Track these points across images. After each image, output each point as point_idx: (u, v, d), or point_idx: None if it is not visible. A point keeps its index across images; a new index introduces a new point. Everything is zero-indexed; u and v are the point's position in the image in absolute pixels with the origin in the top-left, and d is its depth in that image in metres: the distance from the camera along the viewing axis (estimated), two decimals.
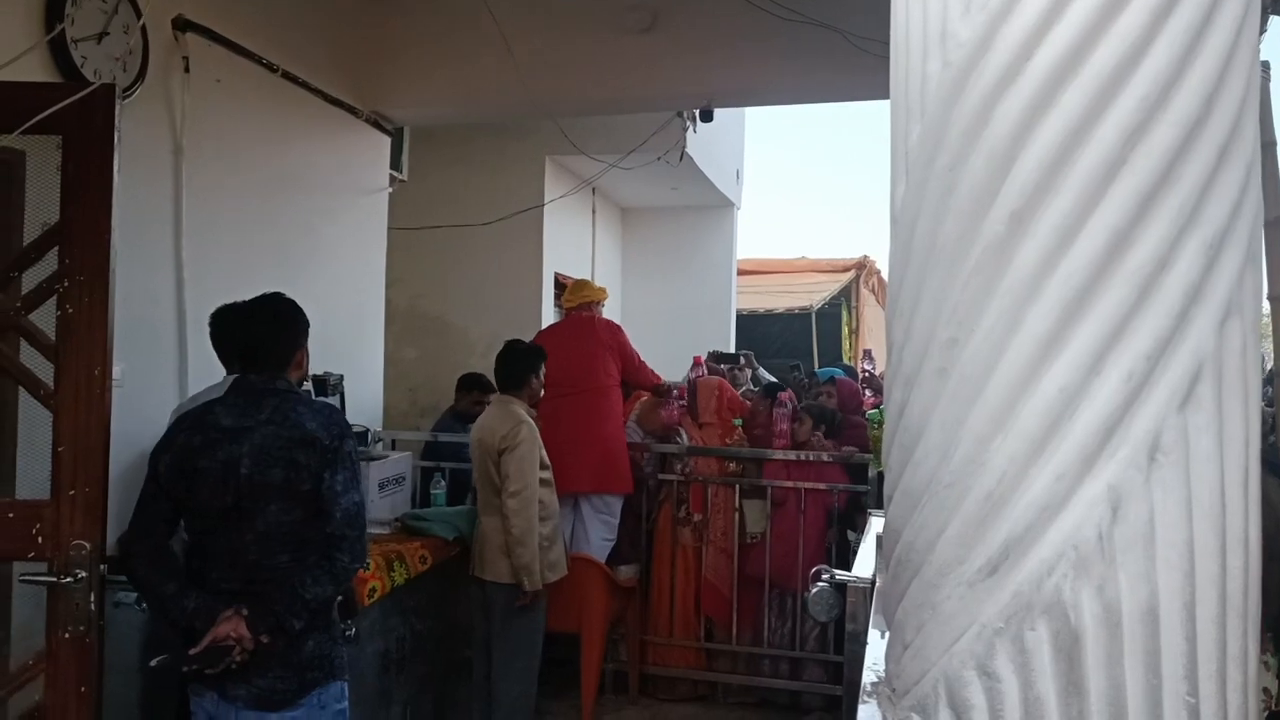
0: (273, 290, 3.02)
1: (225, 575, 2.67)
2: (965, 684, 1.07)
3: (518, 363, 4.49)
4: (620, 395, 5.76)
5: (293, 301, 2.99)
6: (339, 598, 2.82)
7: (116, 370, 3.37)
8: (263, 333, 2.86)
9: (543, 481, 4.34)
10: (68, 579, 2.57)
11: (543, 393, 4.66)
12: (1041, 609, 1.03)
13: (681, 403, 6.04)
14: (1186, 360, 1.04)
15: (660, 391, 5.89)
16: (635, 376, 5.91)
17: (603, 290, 6.12)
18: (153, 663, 2.68)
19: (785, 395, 5.89)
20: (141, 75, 4.10)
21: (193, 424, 2.77)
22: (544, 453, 4.41)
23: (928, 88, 1.13)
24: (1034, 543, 1.04)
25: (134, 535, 2.74)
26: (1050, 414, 1.03)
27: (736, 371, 7.21)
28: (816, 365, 11.35)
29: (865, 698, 1.30)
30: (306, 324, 2.97)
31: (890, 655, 1.20)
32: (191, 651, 2.57)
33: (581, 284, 6.15)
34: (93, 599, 2.60)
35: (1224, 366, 1.05)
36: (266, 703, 2.64)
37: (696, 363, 6.68)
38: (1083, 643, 1.02)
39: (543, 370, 4.54)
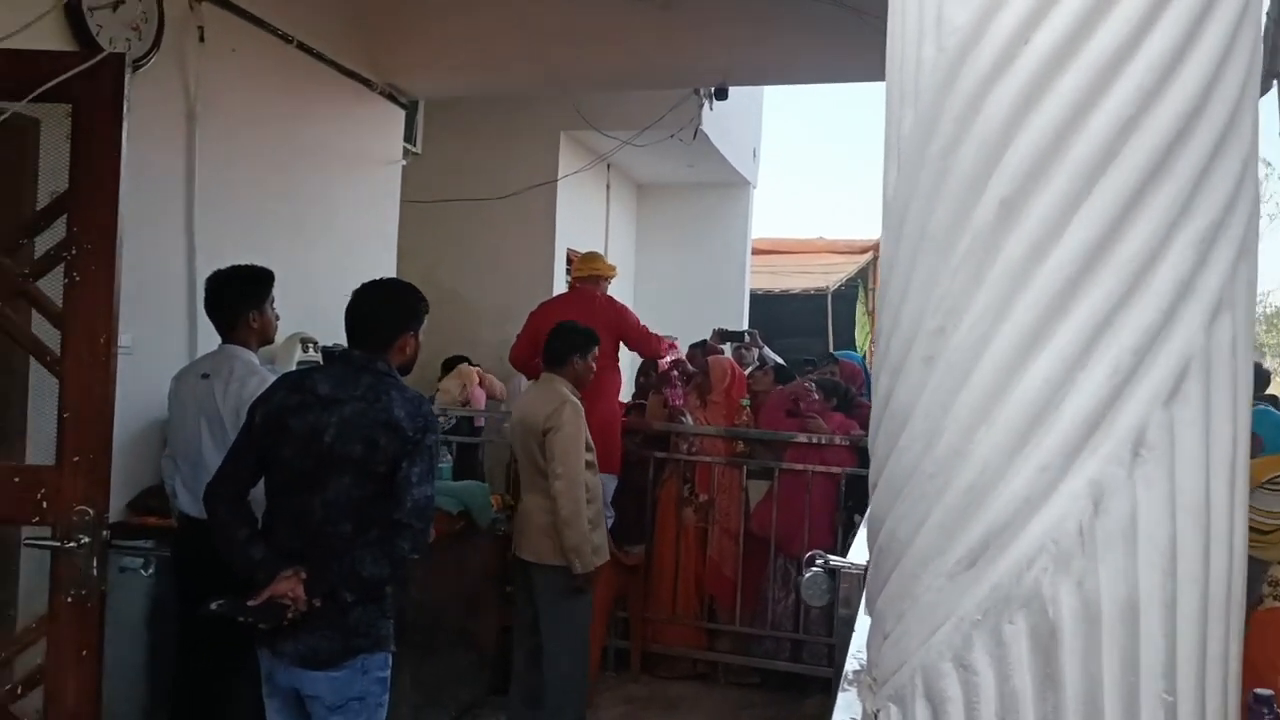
0: (283, 259, 3.04)
1: (291, 534, 2.80)
2: (942, 675, 1.06)
3: (561, 341, 4.42)
4: (616, 375, 5.73)
5: (410, 285, 3.10)
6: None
7: (126, 338, 3.39)
8: (369, 311, 2.96)
9: (589, 464, 4.29)
10: (70, 544, 2.59)
11: (590, 377, 4.47)
12: (1020, 602, 1.02)
13: (683, 384, 6.03)
14: (1174, 355, 1.02)
15: (661, 367, 5.85)
16: (642, 347, 5.88)
17: (612, 267, 6.08)
18: (212, 605, 2.75)
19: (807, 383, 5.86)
20: (157, 44, 4.11)
21: (293, 384, 2.91)
22: (589, 434, 4.36)
23: (922, 73, 1.12)
24: (1014, 536, 1.03)
25: (219, 478, 2.89)
26: (1035, 406, 1.02)
27: (743, 350, 7.18)
28: (831, 347, 11.30)
29: (846, 685, 1.30)
30: (419, 311, 3.04)
31: (871, 644, 1.20)
32: (250, 603, 2.68)
33: (592, 256, 6.13)
34: (95, 564, 2.62)
35: (1213, 363, 1.04)
36: (310, 661, 2.76)
37: (671, 346, 6.59)
38: (1060, 637, 1.01)
39: (592, 353, 4.41)
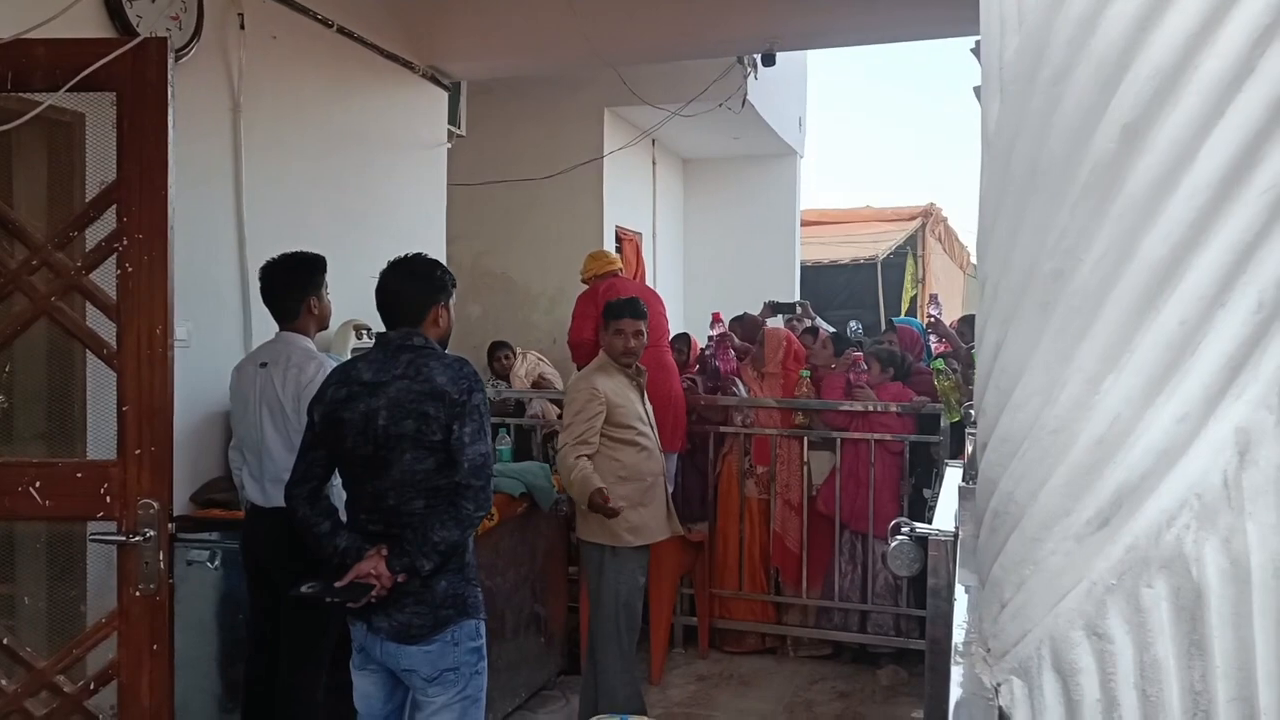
0: (332, 246, 3.04)
1: (370, 518, 2.91)
2: (1073, 645, 0.98)
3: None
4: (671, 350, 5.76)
5: (432, 260, 3.13)
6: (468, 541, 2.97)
7: (182, 330, 3.38)
8: (396, 289, 3.02)
9: (626, 441, 4.24)
10: (136, 538, 2.57)
11: (620, 350, 4.31)
12: (1160, 564, 0.94)
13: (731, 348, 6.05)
14: None
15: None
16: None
17: (616, 259, 6.26)
18: (303, 588, 2.87)
19: (858, 357, 5.77)
20: (197, 33, 4.08)
21: (339, 378, 2.99)
22: (638, 410, 4.31)
23: None
24: (1151, 491, 0.94)
25: (294, 479, 2.98)
26: (1170, 349, 0.93)
27: (795, 321, 7.09)
28: (883, 315, 11.16)
29: (957, 658, 1.22)
30: (444, 283, 3.08)
31: (985, 614, 1.12)
32: (337, 584, 2.79)
33: (601, 253, 6.34)
34: (162, 557, 2.60)
35: None
36: (404, 636, 2.84)
37: (716, 320, 6.57)
38: (1206, 600, 0.93)
39: (611, 325, 4.32)
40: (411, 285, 3.02)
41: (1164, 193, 0.94)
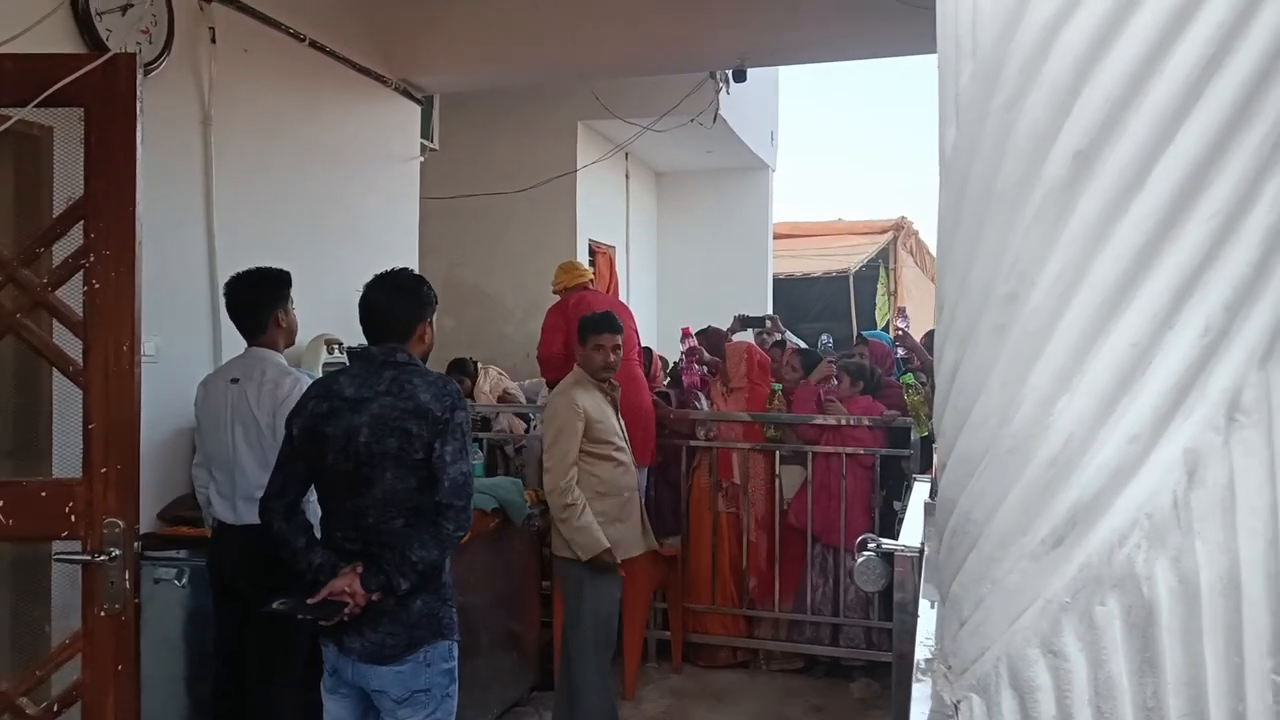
0: (304, 261, 3.02)
1: (348, 535, 2.87)
2: (1029, 663, 0.99)
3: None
4: (641, 368, 5.74)
5: (417, 276, 3.11)
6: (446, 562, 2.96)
7: (151, 345, 3.36)
8: (383, 305, 2.98)
9: (603, 456, 4.24)
10: (102, 557, 2.55)
11: (600, 364, 4.30)
12: (1112, 582, 0.95)
13: (700, 367, 6.03)
14: (1269, 311, 0.95)
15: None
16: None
17: (590, 271, 6.25)
18: (275, 605, 2.83)
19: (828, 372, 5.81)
20: (168, 47, 4.07)
21: (320, 392, 2.95)
22: (614, 425, 4.32)
23: (980, 21, 1.04)
24: (1104, 511, 0.95)
25: (270, 493, 2.94)
26: (1121, 371, 0.95)
27: (764, 335, 7.12)
28: (855, 328, 11.22)
29: (919, 675, 1.23)
30: (429, 299, 3.05)
31: (946, 631, 1.13)
32: (310, 601, 2.76)
33: (573, 264, 6.23)
34: (127, 576, 2.58)
35: None
36: (377, 656, 2.81)
37: (685, 334, 6.58)
38: (1158, 618, 0.94)
39: (590, 341, 4.30)
40: (399, 300, 2.99)
41: (1114, 218, 0.96)
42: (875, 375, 5.82)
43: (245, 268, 3.70)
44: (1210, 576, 0.94)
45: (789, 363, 6.01)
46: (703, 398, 5.94)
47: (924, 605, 1.62)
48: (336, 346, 4.75)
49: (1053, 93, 0.98)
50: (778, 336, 7.05)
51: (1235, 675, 0.95)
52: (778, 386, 5.75)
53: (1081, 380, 0.97)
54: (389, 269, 3.10)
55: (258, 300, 3.63)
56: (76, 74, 2.46)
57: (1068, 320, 0.97)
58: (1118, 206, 0.96)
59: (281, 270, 3.70)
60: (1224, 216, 0.94)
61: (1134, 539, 0.95)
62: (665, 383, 6.52)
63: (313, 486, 2.98)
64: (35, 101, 2.48)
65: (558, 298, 5.96)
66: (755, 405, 5.72)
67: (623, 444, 4.36)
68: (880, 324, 12.27)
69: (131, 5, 3.82)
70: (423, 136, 6.45)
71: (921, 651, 1.34)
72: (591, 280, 6.15)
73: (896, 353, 6.70)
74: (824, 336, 7.97)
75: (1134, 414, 0.95)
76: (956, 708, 1.08)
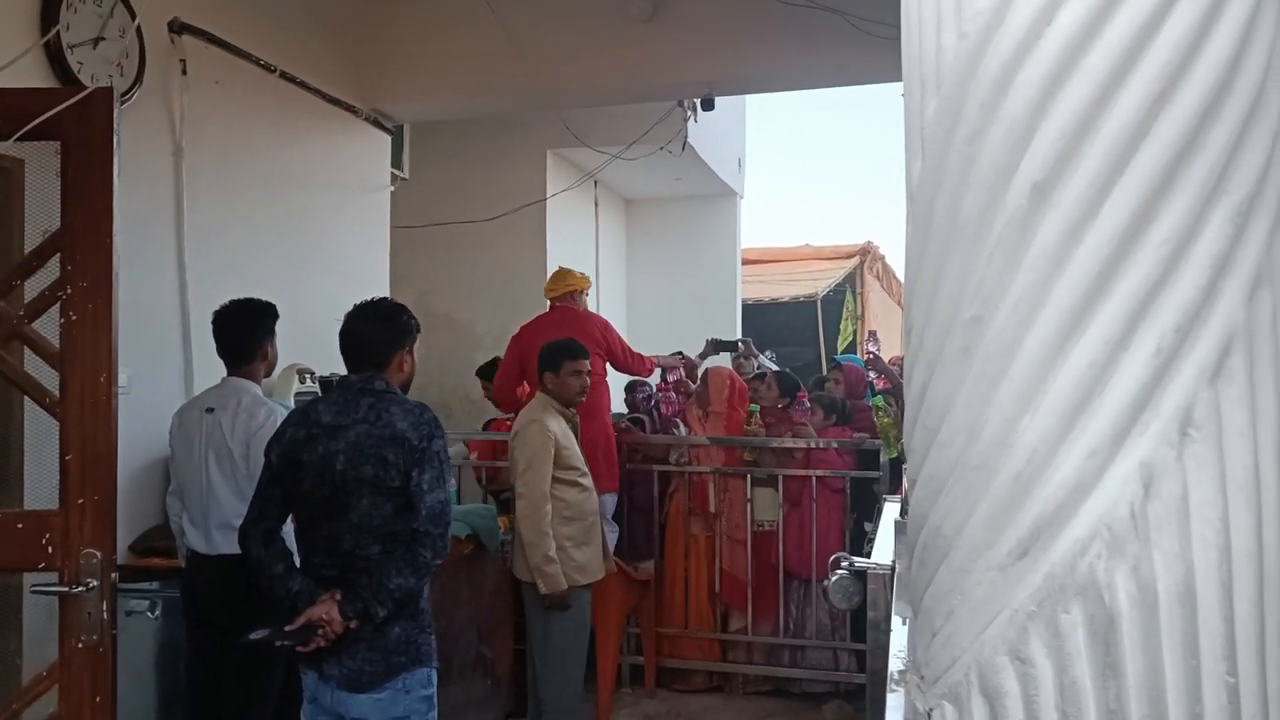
0: (276, 290, 3.04)
1: (325, 561, 2.88)
2: (998, 670, 1.04)
3: (540, 359, 4.46)
4: (606, 393, 5.64)
5: (398, 304, 3.15)
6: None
7: (123, 376, 3.35)
8: (364, 333, 3.00)
9: (569, 482, 4.28)
10: (79, 588, 2.54)
11: (577, 390, 4.41)
12: (1075, 591, 1.00)
13: (680, 392, 6.04)
14: (1216, 332, 1.01)
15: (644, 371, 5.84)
16: (629, 367, 5.83)
17: (584, 278, 5.96)
18: (253, 635, 2.82)
19: (802, 395, 5.88)
20: (139, 79, 4.08)
21: (299, 419, 2.98)
22: (578, 451, 4.35)
23: (943, 60, 1.10)
24: (1066, 523, 1.01)
25: (249, 519, 2.97)
26: (1080, 390, 1.00)
27: (741, 360, 7.16)
28: (823, 352, 11.32)
29: (893, 686, 1.28)
30: (409, 328, 3.07)
31: (918, 643, 1.18)
32: (287, 628, 2.75)
33: (564, 273, 5.96)
34: (105, 608, 2.57)
35: (1255, 338, 1.02)
36: (354, 684, 2.81)
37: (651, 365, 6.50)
38: (1118, 624, 0.99)
39: (566, 367, 4.36)
40: (379, 329, 3.01)
41: (1071, 245, 1.01)
42: (846, 408, 5.89)
43: (216, 297, 3.72)
44: (1167, 584, 1.00)
45: (768, 383, 6.07)
46: (681, 425, 5.97)
47: (896, 621, 1.66)
48: (309, 376, 4.75)
49: (1012, 128, 1.04)
50: (756, 368, 7.07)
51: (1193, 678, 1.00)
52: (755, 407, 5.81)
53: (1043, 399, 1.02)
54: (369, 298, 3.12)
55: (251, 330, 3.65)
56: (56, 109, 2.48)
57: (1029, 342, 1.03)
58: (1074, 235, 1.01)
59: (267, 302, 3.72)
60: (1173, 244, 1.00)
61: (1095, 549, 1.00)
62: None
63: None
64: (15, 136, 2.50)
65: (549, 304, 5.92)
66: (732, 430, 5.77)
67: (586, 469, 4.40)
68: (841, 348, 12.35)
69: (103, 39, 3.85)
70: (393, 165, 6.48)
71: (895, 664, 1.39)
72: (583, 288, 5.90)
73: (869, 375, 6.76)
74: (767, 353, 7.97)
75: (1093, 430, 1.01)
76: (929, 716, 1.13)
